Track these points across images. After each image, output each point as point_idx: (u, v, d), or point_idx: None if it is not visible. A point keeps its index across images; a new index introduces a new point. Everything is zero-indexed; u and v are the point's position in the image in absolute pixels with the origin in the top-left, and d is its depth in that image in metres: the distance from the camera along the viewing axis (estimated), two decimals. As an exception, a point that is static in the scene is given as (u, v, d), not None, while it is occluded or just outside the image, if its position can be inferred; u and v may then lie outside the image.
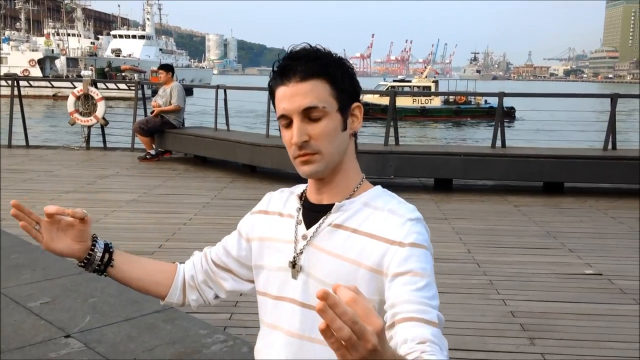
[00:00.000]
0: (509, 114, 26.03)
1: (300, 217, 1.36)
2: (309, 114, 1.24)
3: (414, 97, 34.00)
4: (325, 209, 1.32)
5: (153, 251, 5.10)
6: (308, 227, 1.34)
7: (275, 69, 1.28)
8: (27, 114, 11.44)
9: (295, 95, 1.23)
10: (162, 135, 9.55)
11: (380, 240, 1.25)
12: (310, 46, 1.29)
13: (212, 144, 9.07)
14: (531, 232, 5.88)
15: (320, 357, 1.27)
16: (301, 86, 1.23)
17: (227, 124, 9.99)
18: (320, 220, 1.31)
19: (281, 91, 1.25)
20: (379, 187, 1.38)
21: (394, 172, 7.71)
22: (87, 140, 10.86)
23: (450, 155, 7.92)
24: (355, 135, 1.34)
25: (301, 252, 1.33)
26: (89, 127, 10.80)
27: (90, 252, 1.37)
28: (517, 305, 3.98)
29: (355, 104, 1.32)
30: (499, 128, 8.32)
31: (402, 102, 31.88)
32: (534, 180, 7.94)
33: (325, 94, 1.25)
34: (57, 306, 3.04)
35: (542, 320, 3.77)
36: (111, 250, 1.40)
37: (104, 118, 10.73)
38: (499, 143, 8.33)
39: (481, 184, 8.29)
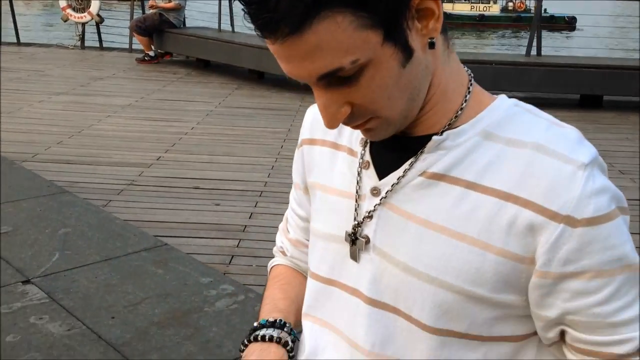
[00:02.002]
0: (570, 24, 25.49)
1: (368, 157, 0.87)
2: (333, 77, 0.73)
3: (472, 4, 34.03)
4: (413, 145, 0.83)
5: (150, 163, 4.64)
6: (382, 174, 0.85)
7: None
8: (24, 11, 10.75)
9: (293, 58, 0.72)
10: (161, 35, 9.05)
11: (526, 206, 0.76)
12: None
13: (215, 46, 8.56)
14: (573, 151, 5.36)
15: None
16: (296, 45, 0.70)
17: (232, 24, 9.36)
18: (405, 165, 0.83)
19: (269, 45, 0.73)
20: (503, 97, 0.85)
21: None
22: (82, 39, 10.40)
23: (479, 63, 7.27)
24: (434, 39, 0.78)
25: (369, 217, 0.85)
26: (84, 24, 10.37)
27: None
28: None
29: None
30: (535, 34, 7.61)
31: (460, 8, 32.06)
32: (570, 93, 7.45)
33: (347, 35, 0.71)
34: (19, 238, 2.44)
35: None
36: (293, 335, 1.00)
37: (98, 15, 10.23)
38: (534, 51, 7.65)
39: (509, 96, 7.72)
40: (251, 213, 3.80)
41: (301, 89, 8.04)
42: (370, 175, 0.86)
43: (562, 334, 0.81)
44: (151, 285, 2.09)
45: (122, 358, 1.64)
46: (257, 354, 0.95)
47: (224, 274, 2.69)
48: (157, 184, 4.23)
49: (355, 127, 0.81)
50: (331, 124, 0.78)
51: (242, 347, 0.99)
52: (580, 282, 0.75)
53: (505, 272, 0.77)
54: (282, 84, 7.68)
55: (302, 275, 1.13)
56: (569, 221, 0.73)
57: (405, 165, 0.82)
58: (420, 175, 0.81)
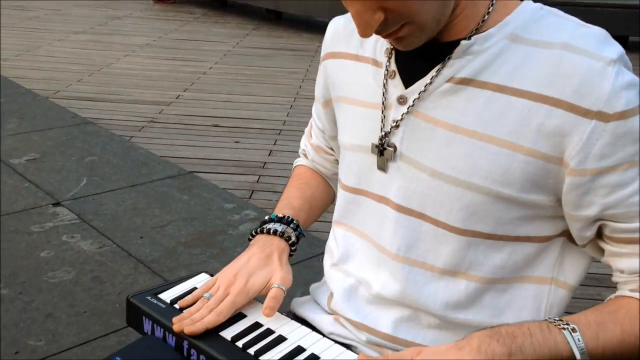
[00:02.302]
0: None
1: (394, 66, 0.87)
2: None
3: None
4: (439, 52, 0.82)
5: (170, 101, 4.64)
6: (408, 83, 0.85)
7: None
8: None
9: None
10: (178, -26, 8.84)
11: (557, 105, 0.76)
12: None
13: (232, -15, 8.34)
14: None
15: (423, 286, 0.88)
16: None
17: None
18: (432, 72, 0.82)
19: None
20: (528, 1, 0.83)
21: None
22: (98, -21, 10.17)
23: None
24: None
25: (396, 126, 0.86)
26: (99, -37, 10.04)
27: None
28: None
29: None
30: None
31: None
32: (596, 34, 7.16)
33: None
34: (47, 164, 2.49)
35: None
36: (299, 231, 1.07)
37: (115, -46, 9.87)
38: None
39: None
40: (270, 150, 3.83)
41: (319, 30, 7.95)
42: (396, 84, 0.85)
43: (599, 229, 0.82)
44: (177, 210, 2.14)
45: (152, 273, 1.71)
46: (260, 244, 1.00)
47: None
48: (177, 121, 4.25)
49: (387, 36, 0.80)
50: (365, 32, 0.76)
51: (250, 237, 1.04)
52: (617, 175, 0.76)
53: (533, 172, 0.78)
54: (300, 24, 7.58)
55: (320, 177, 1.17)
56: (601, 117, 0.73)
57: (432, 72, 0.81)
58: (448, 81, 0.80)
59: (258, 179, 3.21)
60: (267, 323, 0.93)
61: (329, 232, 1.09)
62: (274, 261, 0.97)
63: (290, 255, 1.02)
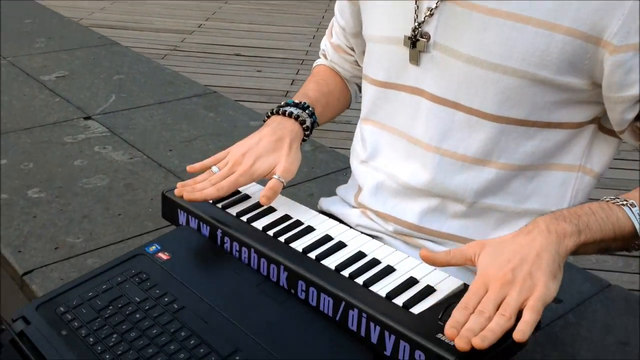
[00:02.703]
0: None
1: None
2: None
3: None
4: None
5: (192, 30, 4.64)
6: None
7: None
8: None
9: None
10: None
11: None
12: None
13: None
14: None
15: (453, 175, 0.90)
16: None
17: None
18: None
19: None
20: None
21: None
22: None
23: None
24: None
25: (431, 15, 0.85)
26: None
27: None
28: None
29: None
30: None
31: None
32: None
33: None
34: (76, 81, 2.54)
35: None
36: (314, 119, 1.09)
37: None
38: None
39: None
40: (293, 79, 3.84)
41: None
42: None
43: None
44: (204, 126, 2.19)
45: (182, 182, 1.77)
46: (274, 125, 1.03)
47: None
48: (199, 50, 4.27)
49: None
50: None
51: (266, 117, 1.07)
52: None
53: (571, 51, 0.79)
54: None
55: (339, 77, 1.19)
56: None
57: None
58: None
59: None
60: (296, 215, 0.98)
61: (350, 150, 1.11)
62: (284, 147, 1.00)
63: (303, 140, 1.06)
